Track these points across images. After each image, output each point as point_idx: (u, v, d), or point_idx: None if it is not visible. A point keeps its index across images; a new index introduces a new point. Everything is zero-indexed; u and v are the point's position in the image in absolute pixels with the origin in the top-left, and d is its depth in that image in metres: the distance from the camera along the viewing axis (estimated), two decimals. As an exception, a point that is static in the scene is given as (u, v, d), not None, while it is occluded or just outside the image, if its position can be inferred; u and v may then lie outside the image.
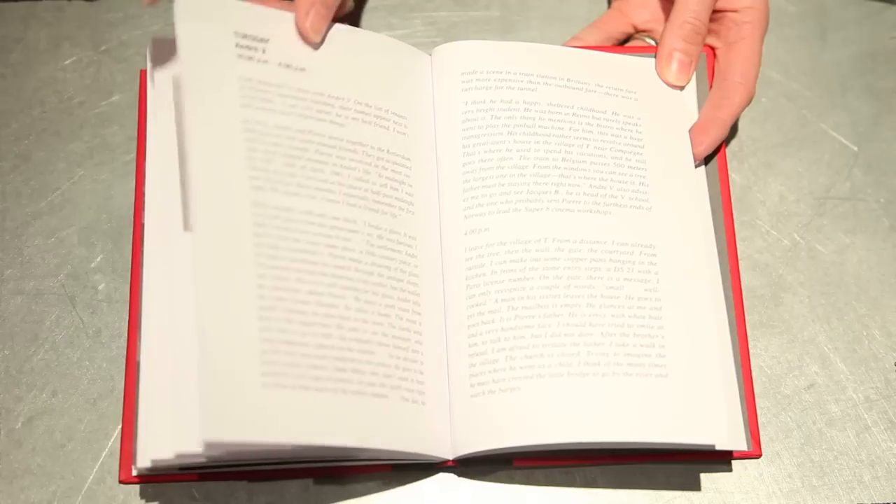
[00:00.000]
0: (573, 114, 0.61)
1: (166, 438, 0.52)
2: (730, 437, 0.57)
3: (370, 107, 0.59)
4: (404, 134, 0.60)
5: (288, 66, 0.57)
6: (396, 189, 0.58)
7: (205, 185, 0.52)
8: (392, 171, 0.58)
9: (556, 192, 0.59)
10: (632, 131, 0.61)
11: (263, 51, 0.56)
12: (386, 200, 0.57)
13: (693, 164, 0.61)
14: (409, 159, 0.59)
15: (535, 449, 0.56)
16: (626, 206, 0.59)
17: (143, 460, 0.53)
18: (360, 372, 0.53)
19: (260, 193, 0.53)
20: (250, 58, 0.56)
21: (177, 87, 0.56)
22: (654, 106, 0.63)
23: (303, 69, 0.57)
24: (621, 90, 0.63)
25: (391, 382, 0.54)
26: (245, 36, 0.56)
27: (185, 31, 0.55)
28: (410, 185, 0.59)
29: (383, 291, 0.56)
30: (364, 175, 0.57)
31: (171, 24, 0.69)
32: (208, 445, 0.49)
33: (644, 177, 0.60)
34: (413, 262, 0.58)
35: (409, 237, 0.58)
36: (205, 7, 0.56)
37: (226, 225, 0.52)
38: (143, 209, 0.57)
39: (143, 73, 0.62)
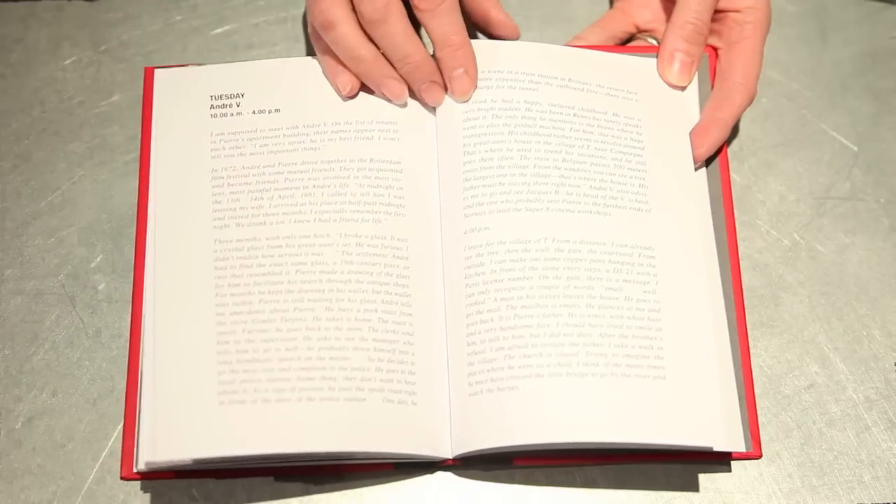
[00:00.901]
0: (574, 114, 0.61)
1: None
2: (728, 438, 0.57)
3: (350, 124, 0.61)
4: (394, 140, 0.61)
5: (262, 111, 0.62)
6: (382, 195, 0.59)
7: (169, 230, 0.58)
8: (376, 178, 0.60)
9: (557, 192, 0.59)
10: (632, 133, 0.61)
11: (238, 105, 0.61)
12: (367, 208, 0.59)
13: (693, 167, 0.61)
14: (399, 163, 0.60)
15: (533, 448, 0.56)
16: (626, 208, 0.59)
17: (144, 458, 0.54)
18: (331, 378, 0.55)
19: (223, 231, 0.58)
20: (224, 115, 0.62)
21: (153, 143, 0.61)
22: (655, 107, 0.63)
23: (277, 110, 0.62)
24: (622, 91, 0.63)
25: (370, 385, 0.55)
26: (220, 97, 0.62)
27: (162, 103, 0.62)
28: (401, 189, 0.60)
29: (362, 297, 0.57)
30: (340, 189, 0.59)
31: (171, 25, 0.70)
32: (162, 462, 0.53)
33: (644, 178, 0.60)
34: (402, 265, 0.58)
35: (398, 240, 0.58)
36: (182, 80, 0.62)
37: (186, 264, 0.57)
38: (147, 209, 0.59)
39: (147, 71, 0.62)
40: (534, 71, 0.62)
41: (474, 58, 0.60)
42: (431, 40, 0.60)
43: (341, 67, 0.61)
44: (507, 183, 0.59)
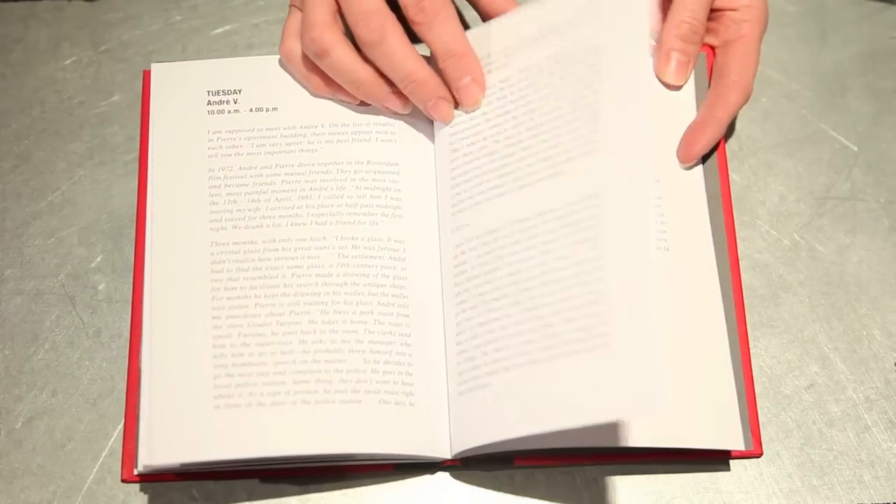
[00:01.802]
0: (545, 67, 0.57)
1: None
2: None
3: (347, 125, 0.61)
4: (391, 141, 0.61)
5: (259, 109, 0.61)
6: (379, 197, 0.59)
7: (165, 232, 0.58)
8: (373, 180, 0.60)
9: (518, 166, 0.56)
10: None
11: (235, 101, 0.61)
12: (364, 211, 0.59)
13: (687, 165, 0.61)
14: (396, 164, 0.60)
15: (512, 444, 0.54)
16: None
17: (140, 463, 0.54)
18: (326, 381, 0.55)
19: (219, 234, 0.58)
20: (221, 111, 0.61)
21: (150, 140, 0.61)
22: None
23: (275, 108, 0.61)
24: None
25: (366, 387, 0.55)
26: (217, 92, 0.62)
27: (159, 97, 0.61)
28: (398, 190, 0.60)
29: (358, 300, 0.57)
30: (337, 192, 0.59)
31: (171, 25, 0.70)
32: (156, 466, 0.54)
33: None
34: (400, 266, 0.58)
35: (396, 241, 0.58)
36: (178, 74, 0.62)
37: (183, 267, 0.57)
38: (147, 209, 0.59)
39: (145, 74, 0.62)
40: (509, 44, 0.59)
41: (479, 64, 0.60)
42: (432, 52, 0.59)
43: (336, 86, 0.60)
44: (481, 174, 0.58)
